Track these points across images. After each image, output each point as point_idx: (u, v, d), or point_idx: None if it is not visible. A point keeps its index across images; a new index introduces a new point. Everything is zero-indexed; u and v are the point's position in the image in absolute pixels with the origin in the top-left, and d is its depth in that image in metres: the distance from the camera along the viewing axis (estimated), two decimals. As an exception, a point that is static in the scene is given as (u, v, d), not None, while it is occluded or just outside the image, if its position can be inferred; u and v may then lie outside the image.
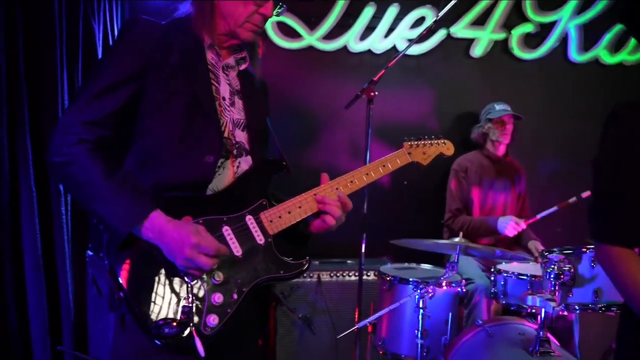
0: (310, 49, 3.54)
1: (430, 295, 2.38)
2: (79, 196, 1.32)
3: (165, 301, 1.29)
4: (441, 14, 2.58)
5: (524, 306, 2.50)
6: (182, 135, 1.37)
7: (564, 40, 3.86)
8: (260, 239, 1.42)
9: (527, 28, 3.77)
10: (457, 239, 2.51)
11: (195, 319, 1.29)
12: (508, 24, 3.73)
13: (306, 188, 1.51)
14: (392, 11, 3.54)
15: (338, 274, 3.12)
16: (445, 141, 1.80)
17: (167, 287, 1.30)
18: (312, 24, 3.50)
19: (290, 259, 1.45)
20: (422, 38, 3.00)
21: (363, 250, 2.64)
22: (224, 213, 1.39)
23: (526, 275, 2.53)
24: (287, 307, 2.98)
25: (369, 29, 3.56)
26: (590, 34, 3.86)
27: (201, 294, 1.32)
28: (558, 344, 2.40)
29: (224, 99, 1.47)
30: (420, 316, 2.38)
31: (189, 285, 1.31)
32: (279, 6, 1.49)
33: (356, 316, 2.69)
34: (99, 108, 1.32)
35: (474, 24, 3.68)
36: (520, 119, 3.43)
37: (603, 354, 2.79)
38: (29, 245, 2.54)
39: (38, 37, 2.58)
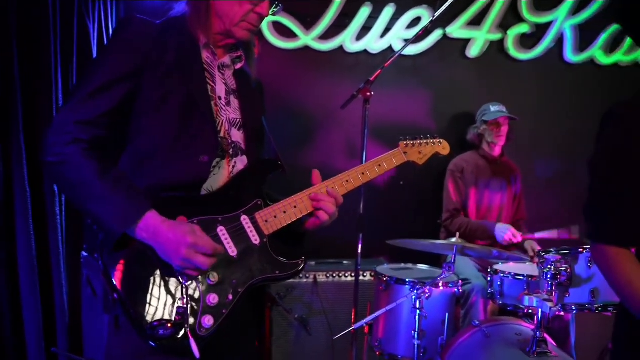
0: (306, 49, 3.53)
1: (427, 295, 2.37)
2: (73, 196, 1.31)
3: (160, 302, 1.28)
4: (437, 14, 2.57)
5: (521, 306, 2.50)
6: (178, 134, 1.36)
7: (559, 40, 3.88)
8: (255, 239, 1.41)
9: (523, 28, 3.78)
10: (453, 240, 2.51)
11: (191, 320, 1.28)
12: (504, 25, 3.74)
13: (301, 188, 1.50)
14: (388, 11, 3.54)
15: (334, 275, 3.12)
16: (441, 140, 1.80)
17: (162, 288, 1.29)
18: (307, 23, 3.49)
19: (286, 259, 1.44)
20: (418, 38, 2.99)
21: (359, 250, 2.63)
22: (218, 213, 1.38)
23: (523, 276, 2.53)
24: (283, 308, 2.97)
25: (365, 29, 3.55)
26: (585, 35, 3.88)
27: (196, 294, 1.31)
28: (555, 345, 2.40)
29: (219, 98, 1.46)
30: (417, 317, 2.37)
31: (184, 286, 1.30)
32: (274, 5, 1.48)
33: (353, 317, 2.68)
34: (93, 107, 1.31)
35: (469, 24, 3.69)
36: (515, 120, 3.44)
37: (599, 354, 2.80)
38: (23, 246, 2.52)
39: (32, 36, 2.56)
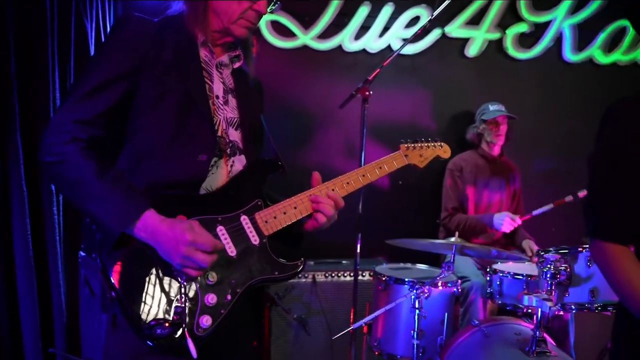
0: (305, 48, 3.52)
1: (426, 295, 2.36)
2: (71, 195, 1.31)
3: (158, 301, 1.27)
4: (436, 13, 2.57)
5: (520, 306, 2.50)
6: (175, 133, 1.36)
7: (558, 40, 3.88)
8: (255, 239, 1.40)
9: (522, 28, 3.77)
10: (452, 239, 2.50)
11: (188, 319, 1.28)
12: (503, 24, 3.74)
13: (301, 188, 1.49)
14: (387, 10, 3.53)
15: (333, 275, 3.11)
16: (442, 144, 1.79)
17: (160, 287, 1.28)
18: (306, 23, 3.48)
19: (285, 260, 1.44)
20: (416, 37, 2.99)
21: (358, 250, 2.63)
22: (218, 213, 1.38)
23: (522, 275, 2.52)
24: (282, 308, 2.97)
25: (364, 28, 3.55)
26: (584, 34, 3.88)
27: (194, 294, 1.30)
28: (554, 344, 2.40)
29: (217, 97, 1.45)
30: (416, 316, 2.37)
31: (182, 285, 1.29)
32: (273, 3, 1.47)
33: (351, 317, 2.68)
34: (91, 107, 1.30)
35: (468, 24, 3.68)
36: (514, 119, 3.44)
37: (599, 353, 2.79)
38: (20, 246, 2.51)
39: (29, 35, 2.55)
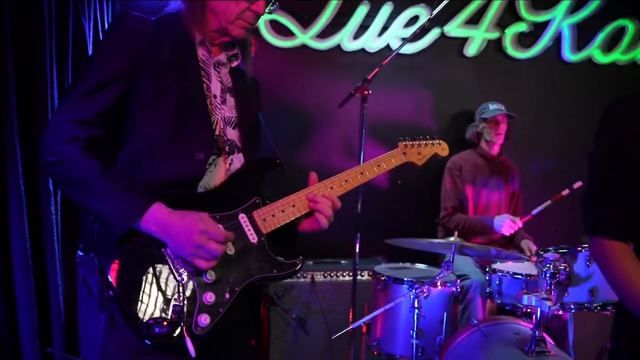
0: (304, 47, 3.52)
1: (425, 295, 2.36)
2: (74, 195, 1.30)
3: (156, 300, 1.27)
4: (435, 12, 2.56)
5: (519, 305, 2.49)
6: (173, 132, 1.35)
7: (557, 39, 3.88)
8: (253, 237, 1.40)
9: (521, 27, 3.78)
10: (452, 238, 2.50)
11: (187, 318, 1.27)
12: (502, 23, 3.74)
13: (299, 187, 1.49)
14: (386, 10, 3.53)
15: (332, 274, 3.11)
16: (440, 142, 1.79)
17: (158, 286, 1.28)
18: (305, 22, 3.48)
19: (284, 258, 1.43)
20: (415, 37, 2.99)
21: (357, 250, 2.62)
22: (216, 211, 1.37)
23: (521, 275, 2.52)
24: (280, 308, 2.96)
25: (363, 27, 3.54)
26: (583, 34, 3.88)
27: (192, 293, 1.29)
28: (553, 344, 2.39)
29: (214, 96, 1.45)
30: (415, 316, 2.36)
31: (181, 284, 1.28)
32: (271, 3, 1.47)
33: (350, 316, 2.67)
34: (89, 106, 1.30)
35: (467, 23, 3.68)
36: (514, 118, 3.44)
37: (598, 353, 2.79)
38: (18, 246, 2.51)
39: (27, 35, 2.55)
